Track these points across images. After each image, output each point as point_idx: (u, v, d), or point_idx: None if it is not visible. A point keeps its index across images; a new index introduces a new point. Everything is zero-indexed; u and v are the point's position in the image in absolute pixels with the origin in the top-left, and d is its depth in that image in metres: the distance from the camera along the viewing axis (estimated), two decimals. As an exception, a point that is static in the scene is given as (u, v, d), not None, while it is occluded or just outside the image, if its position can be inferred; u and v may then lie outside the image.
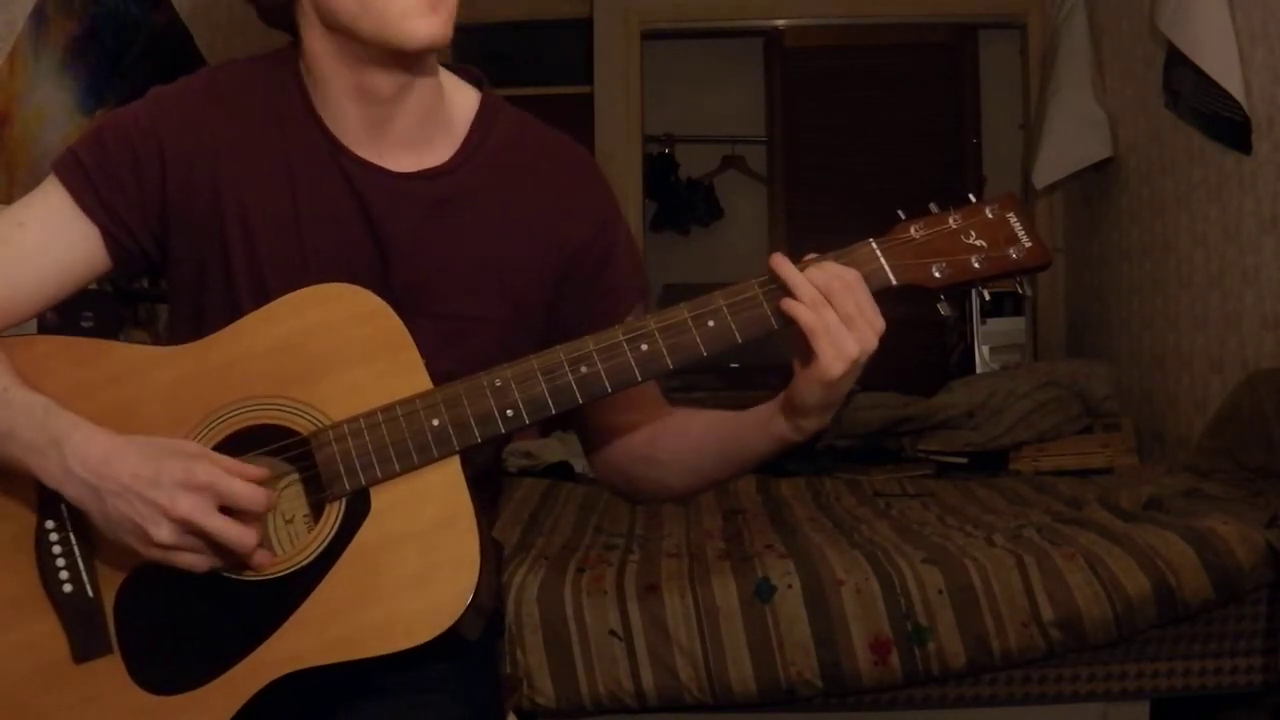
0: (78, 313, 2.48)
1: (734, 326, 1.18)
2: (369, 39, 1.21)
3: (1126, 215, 4.26)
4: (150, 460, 1.12)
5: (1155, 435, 3.92)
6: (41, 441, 1.15)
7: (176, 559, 1.13)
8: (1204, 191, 3.57)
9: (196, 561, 1.14)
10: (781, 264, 1.18)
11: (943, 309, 1.22)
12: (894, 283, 1.19)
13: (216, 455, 1.15)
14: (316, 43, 1.25)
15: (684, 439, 1.35)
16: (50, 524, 1.20)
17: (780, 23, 5.43)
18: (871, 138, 5.38)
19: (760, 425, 1.27)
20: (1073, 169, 4.45)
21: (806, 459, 4.00)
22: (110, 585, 1.19)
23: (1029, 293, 1.26)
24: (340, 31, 1.22)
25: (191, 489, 1.11)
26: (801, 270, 1.17)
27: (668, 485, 1.38)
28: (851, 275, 1.16)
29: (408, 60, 1.25)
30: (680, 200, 5.52)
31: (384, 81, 1.25)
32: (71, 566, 1.19)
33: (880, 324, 1.17)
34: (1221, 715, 2.64)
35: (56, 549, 1.19)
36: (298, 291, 1.20)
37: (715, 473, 1.35)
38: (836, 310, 1.15)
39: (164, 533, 1.11)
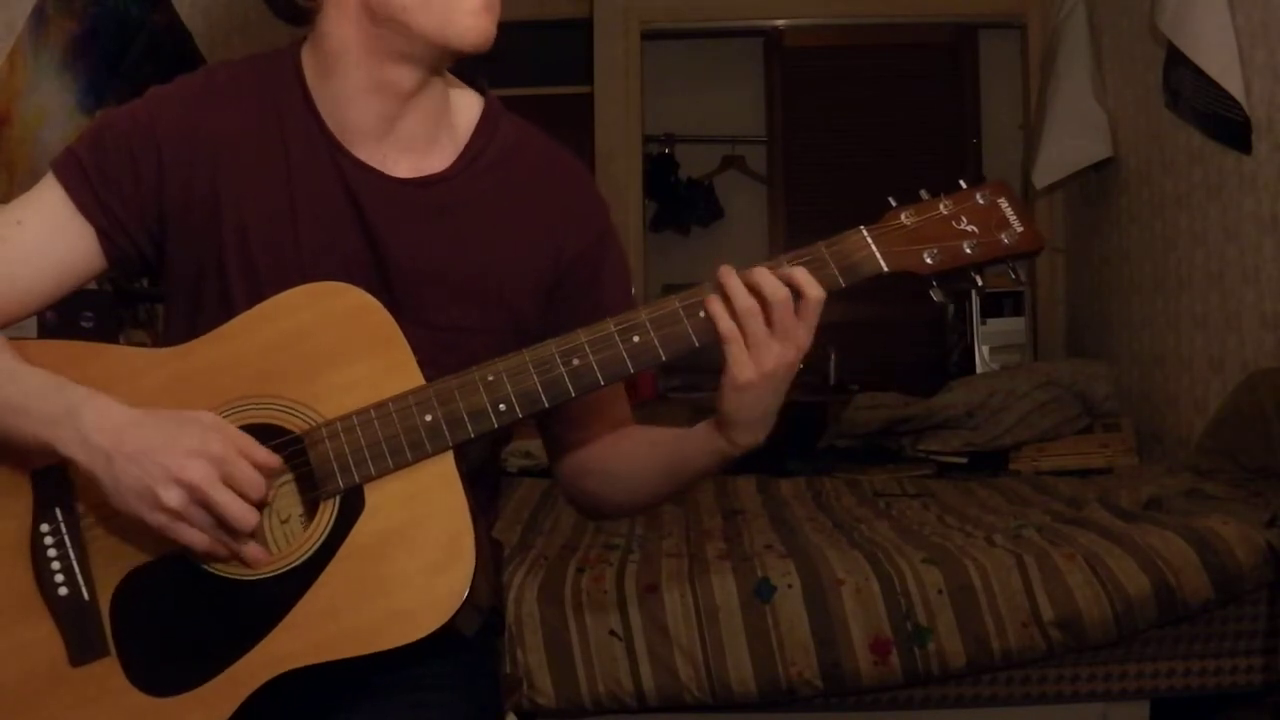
0: (78, 312, 2.48)
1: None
2: (420, 33, 1.22)
3: (1126, 215, 4.25)
4: (165, 427, 1.13)
5: (1155, 435, 3.92)
6: (57, 412, 1.15)
7: (179, 530, 1.13)
8: (1204, 191, 3.57)
9: (196, 537, 1.14)
10: (728, 276, 1.17)
11: (935, 295, 1.21)
12: (886, 269, 1.19)
13: (233, 430, 1.16)
14: (346, 32, 1.25)
15: (636, 457, 1.35)
16: (45, 527, 1.20)
17: (780, 23, 5.43)
18: (871, 138, 5.38)
19: (700, 442, 1.27)
20: (1073, 169, 4.45)
21: (806, 459, 4.00)
22: (106, 587, 1.19)
23: (1021, 278, 1.26)
24: (385, 23, 1.22)
25: (203, 457, 1.12)
26: (778, 267, 1.17)
27: (617, 500, 1.39)
28: (787, 293, 1.15)
29: (443, 59, 1.25)
30: (680, 200, 5.52)
31: (407, 76, 1.25)
32: (67, 570, 1.19)
33: (808, 344, 1.17)
34: (1221, 715, 2.64)
35: (52, 552, 1.19)
36: (289, 291, 1.21)
37: (658, 489, 1.35)
38: (769, 320, 1.15)
39: (172, 496, 1.11)
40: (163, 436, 1.13)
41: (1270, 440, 2.88)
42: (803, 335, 1.16)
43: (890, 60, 5.45)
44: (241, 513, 1.13)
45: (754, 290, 1.16)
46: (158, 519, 1.13)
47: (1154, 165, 3.97)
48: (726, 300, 1.17)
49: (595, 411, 1.36)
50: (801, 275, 1.16)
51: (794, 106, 5.50)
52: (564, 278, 1.33)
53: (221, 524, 1.14)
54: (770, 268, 1.17)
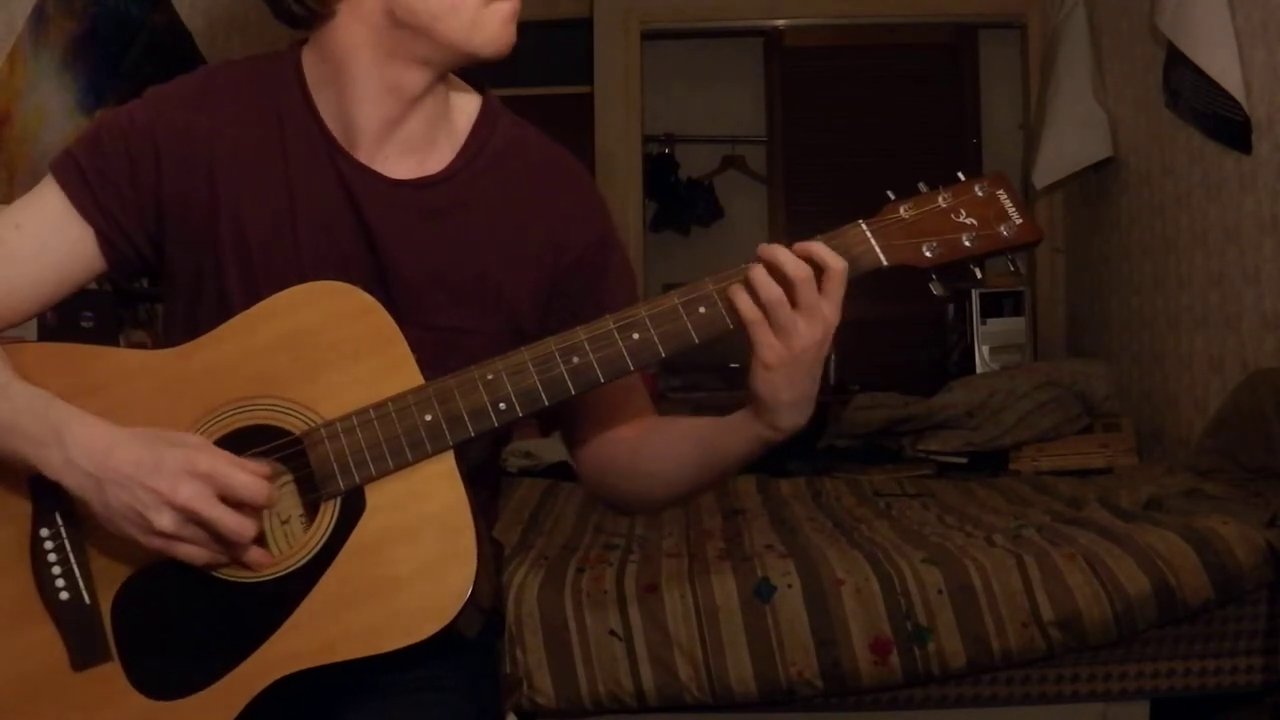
0: (78, 313, 2.47)
1: (725, 313, 1.18)
2: (447, 41, 1.22)
3: (1126, 215, 4.25)
4: (152, 449, 1.13)
5: (1155, 435, 3.92)
6: (43, 433, 1.15)
7: (176, 549, 1.13)
8: (1204, 191, 3.57)
9: (196, 553, 1.14)
10: (757, 265, 1.16)
11: (935, 288, 1.21)
12: (885, 263, 1.18)
13: (217, 449, 1.15)
14: (359, 36, 1.24)
15: (666, 451, 1.33)
16: (45, 532, 1.20)
17: (780, 23, 5.43)
18: (871, 138, 5.38)
19: (738, 429, 1.25)
20: (1073, 169, 4.45)
21: (806, 459, 4.00)
22: (107, 592, 1.19)
23: (1021, 270, 1.25)
24: (408, 29, 1.22)
25: (193, 477, 1.11)
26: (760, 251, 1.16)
27: (652, 496, 1.36)
28: (835, 266, 1.14)
29: (459, 64, 1.25)
30: (680, 200, 5.52)
31: (418, 80, 1.25)
32: (68, 574, 1.19)
33: (834, 319, 1.15)
34: (1221, 715, 2.64)
35: (52, 557, 1.19)
36: (286, 291, 1.20)
37: (696, 482, 1.33)
38: (795, 301, 1.14)
39: (165, 520, 1.11)
40: (150, 458, 1.12)
41: (1270, 440, 2.88)
42: (828, 311, 1.14)
43: (890, 60, 5.45)
44: (239, 526, 1.13)
45: (775, 270, 1.14)
46: (153, 542, 1.13)
47: (1154, 165, 3.97)
48: (750, 288, 1.15)
49: (615, 407, 1.35)
50: (820, 249, 1.15)
51: (794, 106, 5.50)
52: (565, 280, 1.32)
53: (219, 538, 1.13)
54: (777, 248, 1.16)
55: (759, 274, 1.15)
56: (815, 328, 1.15)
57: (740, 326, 1.16)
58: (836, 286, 1.15)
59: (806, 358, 1.16)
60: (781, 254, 1.15)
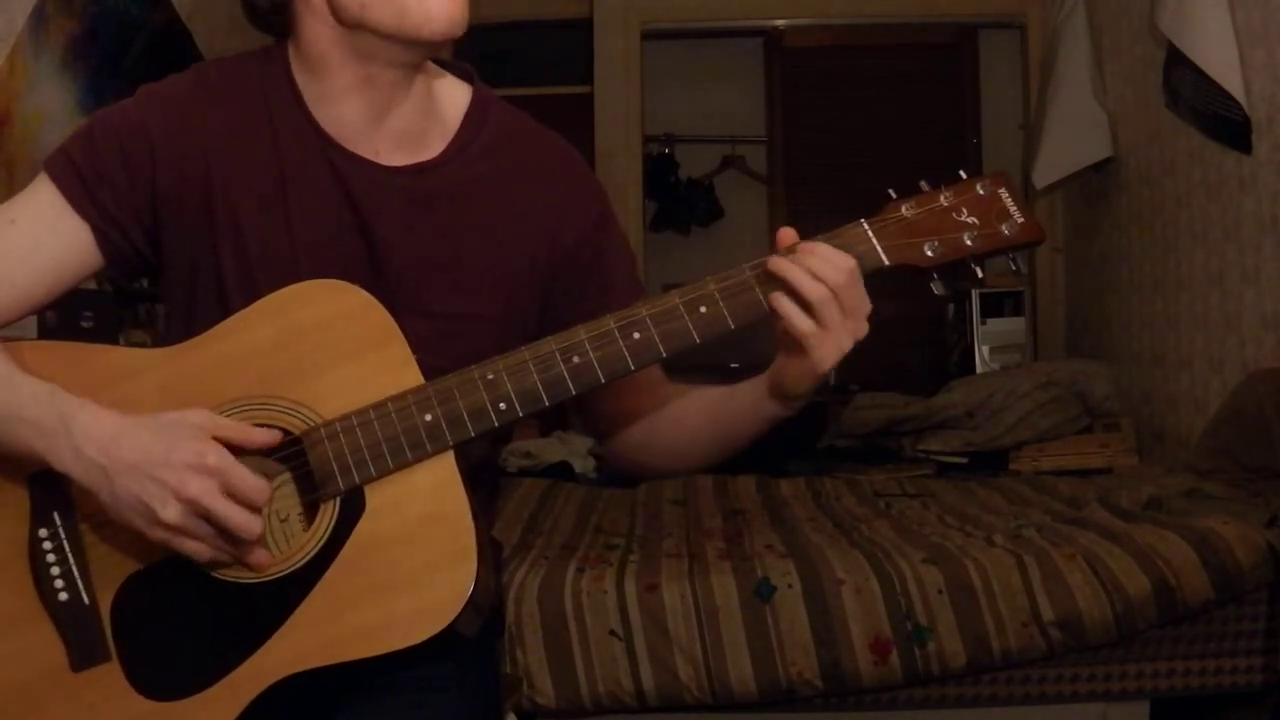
0: (78, 312, 2.48)
1: (726, 312, 1.18)
2: (383, 30, 1.22)
3: (1126, 215, 4.25)
4: (160, 440, 1.12)
5: (1155, 435, 3.92)
6: (49, 422, 1.14)
7: (181, 543, 1.13)
8: (1204, 191, 3.57)
9: (199, 549, 1.14)
10: (782, 267, 1.16)
11: (936, 288, 1.21)
12: (886, 263, 1.18)
13: (226, 423, 1.15)
14: (321, 35, 1.25)
15: (679, 427, 1.36)
16: (44, 532, 1.19)
17: (780, 23, 5.44)
18: (871, 138, 5.38)
19: (751, 410, 1.28)
20: (1073, 169, 4.45)
21: (806, 459, 4.00)
22: (106, 592, 1.18)
23: (1022, 269, 1.25)
24: (350, 24, 1.22)
25: (201, 471, 1.11)
26: (794, 257, 1.16)
27: (667, 467, 1.41)
28: (852, 265, 1.16)
29: (417, 51, 1.25)
30: (680, 200, 5.52)
31: (388, 74, 1.26)
32: (66, 574, 1.18)
33: (869, 306, 1.17)
34: (1221, 715, 2.64)
35: (51, 557, 1.19)
36: (285, 289, 1.20)
37: (709, 455, 1.37)
38: (841, 305, 1.15)
39: (171, 513, 1.11)
40: (159, 447, 1.12)
41: (1270, 440, 2.88)
42: (865, 304, 1.17)
43: (890, 60, 5.45)
44: (246, 522, 1.12)
45: (817, 276, 1.15)
46: (157, 534, 1.13)
47: (1154, 165, 3.97)
48: (790, 291, 1.16)
49: (631, 387, 1.34)
50: (835, 256, 1.16)
51: (794, 106, 5.50)
52: (565, 263, 1.33)
53: (224, 534, 1.13)
54: (810, 250, 1.17)
55: (799, 276, 1.15)
56: (861, 323, 1.17)
57: (798, 339, 1.16)
58: (859, 284, 1.17)
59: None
60: (818, 263, 1.15)
